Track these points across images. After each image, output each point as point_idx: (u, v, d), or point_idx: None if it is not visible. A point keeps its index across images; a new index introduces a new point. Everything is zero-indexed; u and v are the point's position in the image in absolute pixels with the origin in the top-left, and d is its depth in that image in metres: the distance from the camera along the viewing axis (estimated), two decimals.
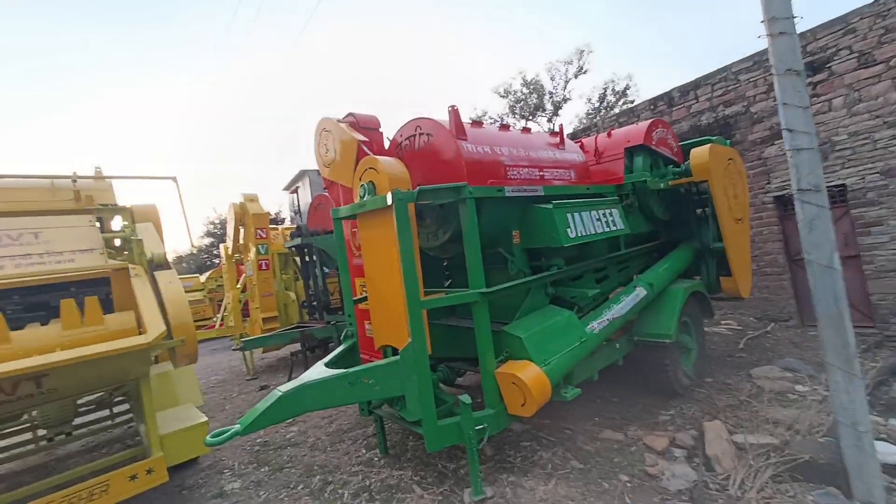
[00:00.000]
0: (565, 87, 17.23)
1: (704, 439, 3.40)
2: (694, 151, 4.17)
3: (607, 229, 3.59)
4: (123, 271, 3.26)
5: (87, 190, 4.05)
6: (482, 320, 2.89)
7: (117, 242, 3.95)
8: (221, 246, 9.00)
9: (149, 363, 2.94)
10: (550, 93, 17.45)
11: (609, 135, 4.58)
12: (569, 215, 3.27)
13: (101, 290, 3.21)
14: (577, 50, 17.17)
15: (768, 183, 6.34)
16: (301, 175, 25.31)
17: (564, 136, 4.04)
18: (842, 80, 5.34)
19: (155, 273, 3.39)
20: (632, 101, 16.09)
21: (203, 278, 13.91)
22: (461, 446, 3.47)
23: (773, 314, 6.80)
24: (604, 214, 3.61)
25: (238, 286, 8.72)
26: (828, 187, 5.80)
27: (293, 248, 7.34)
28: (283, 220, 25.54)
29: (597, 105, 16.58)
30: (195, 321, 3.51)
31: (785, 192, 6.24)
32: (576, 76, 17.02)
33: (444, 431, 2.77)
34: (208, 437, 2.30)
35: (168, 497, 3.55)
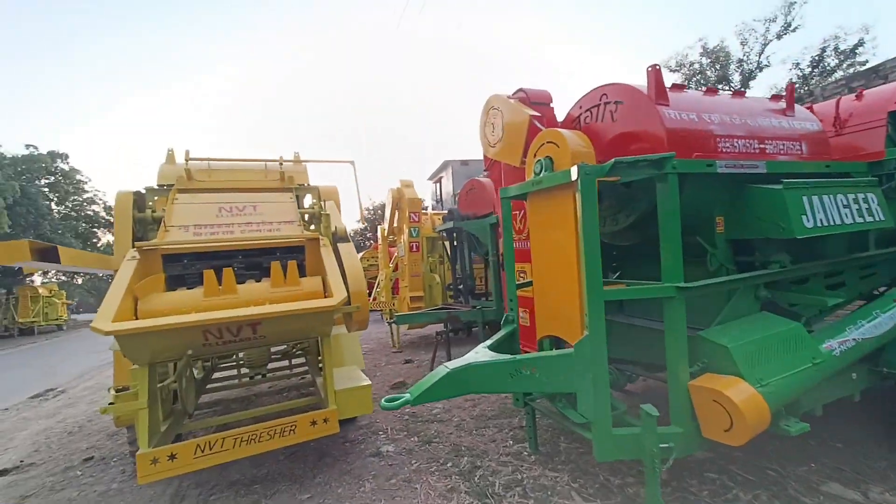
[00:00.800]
0: (762, 52, 13.89)
1: None
2: None
3: (860, 220, 2.68)
4: (315, 241, 3.69)
5: (288, 171, 4.75)
6: (676, 320, 2.40)
7: (304, 217, 4.56)
8: (379, 228, 9.91)
9: (332, 323, 3.25)
10: (740, 60, 14.23)
11: (859, 97, 3.43)
12: (805, 199, 2.51)
13: (297, 257, 3.69)
14: (786, 2, 13.59)
15: None
16: (445, 165, 26.53)
17: (794, 99, 3.14)
18: None
19: (338, 244, 3.75)
20: (863, 63, 12.14)
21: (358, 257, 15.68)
22: (627, 461, 3.05)
23: None
24: (854, 200, 2.70)
25: (390, 265, 9.50)
26: None
27: (443, 232, 7.60)
28: (426, 208, 27.25)
29: (808, 71, 12.85)
30: None
31: None
32: (779, 37, 13.43)
33: (619, 442, 2.40)
34: (383, 401, 2.39)
35: (335, 445, 3.97)
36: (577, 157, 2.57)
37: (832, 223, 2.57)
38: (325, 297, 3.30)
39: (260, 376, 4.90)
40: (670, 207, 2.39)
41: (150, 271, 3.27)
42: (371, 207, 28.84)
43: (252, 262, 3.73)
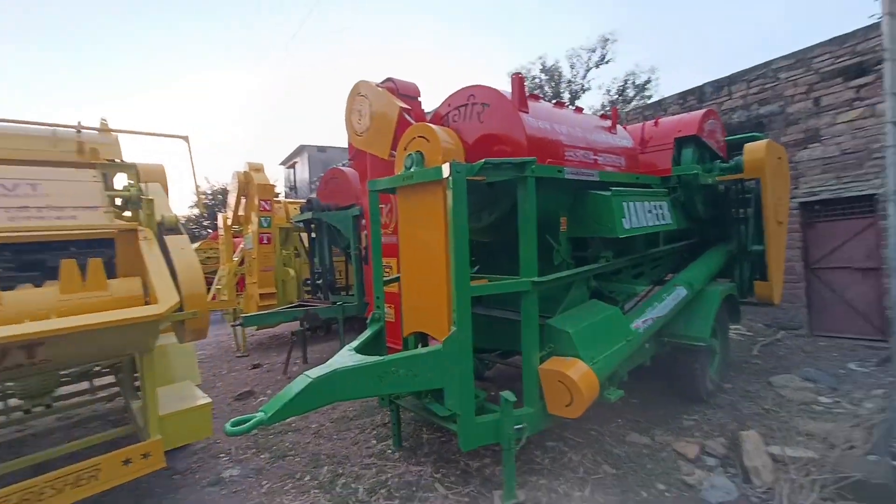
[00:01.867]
0: (585, 76, 16.81)
1: (741, 449, 3.24)
2: (749, 147, 3.94)
3: (658, 222, 3.36)
4: (131, 233, 2.92)
5: (91, 143, 3.66)
6: (531, 312, 2.64)
7: (118, 202, 3.59)
8: (220, 215, 8.58)
9: (156, 336, 2.64)
10: (569, 81, 16.97)
11: (656, 123, 4.31)
12: (625, 204, 3.02)
13: (104, 253, 2.87)
14: (602, 38, 16.71)
15: (796, 188, 6.18)
16: (300, 150, 24.60)
17: (618, 119, 3.76)
18: None
19: (165, 237, 3.04)
20: (649, 97, 15.76)
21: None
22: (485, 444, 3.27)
23: (783, 322, 6.73)
24: (655, 206, 3.38)
25: (235, 259, 8.33)
26: (856, 197, 5.72)
27: (300, 223, 6.97)
28: (277, 195, 24.86)
29: (615, 98, 16.18)
30: None
31: (813, 198, 6.10)
32: (597, 65, 16.58)
33: (481, 429, 2.54)
34: (228, 426, 2.03)
35: (158, 481, 3.27)
36: (448, 155, 2.59)
37: (641, 225, 3.16)
38: (147, 303, 2.64)
39: (43, 407, 3.71)
40: (529, 208, 2.59)
41: None
42: (209, 192, 24.95)
43: (30, 259, 2.76)
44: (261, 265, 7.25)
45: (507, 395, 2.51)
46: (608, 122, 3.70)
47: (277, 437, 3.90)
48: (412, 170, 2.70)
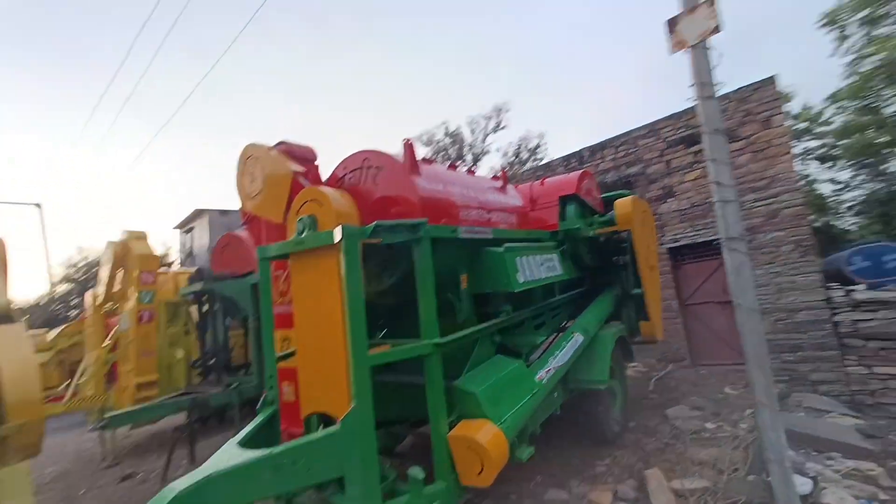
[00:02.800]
0: (484, 140, 18.54)
1: (648, 489, 3.37)
2: (619, 202, 4.50)
3: (550, 274, 3.59)
4: None
5: None
6: (435, 375, 2.56)
7: None
8: (87, 294, 7.34)
9: None
10: (470, 145, 18.59)
11: (542, 183, 4.77)
12: (518, 259, 3.19)
13: None
14: (496, 107, 18.78)
15: (662, 236, 7.18)
16: (197, 214, 22.74)
17: (507, 180, 4.08)
18: None
19: None
20: (541, 159, 17.80)
21: (52, 335, 11.16)
22: None
23: (670, 355, 7.46)
24: (546, 259, 3.63)
25: (106, 344, 7.07)
26: (707, 241, 6.81)
27: (190, 296, 6.22)
28: (170, 263, 22.33)
29: (512, 159, 18.03)
30: None
31: (676, 244, 7.10)
32: (494, 131, 18.49)
33: None
34: None
35: None
36: (340, 218, 2.53)
37: (536, 277, 3.35)
38: None
39: None
40: (425, 268, 2.60)
41: None
42: (81, 264, 21.62)
43: None
44: (139, 348, 6.22)
45: (415, 471, 2.33)
46: (500, 183, 4.01)
47: None
48: (304, 234, 2.58)
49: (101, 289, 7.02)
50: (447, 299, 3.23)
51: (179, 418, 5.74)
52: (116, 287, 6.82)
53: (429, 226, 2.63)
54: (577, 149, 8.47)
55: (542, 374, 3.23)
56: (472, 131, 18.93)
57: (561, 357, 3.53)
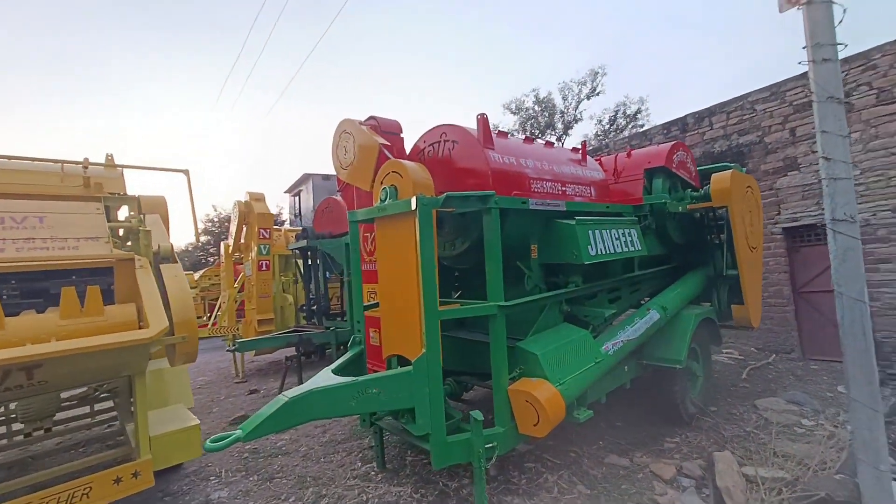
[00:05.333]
0: (577, 108, 17.46)
1: (715, 470, 3.29)
2: (715, 177, 4.14)
3: (626, 249, 3.53)
4: (128, 262, 3.15)
5: (97, 177, 3.96)
6: (499, 334, 2.79)
7: (121, 232, 3.85)
8: (222, 244, 8.86)
9: (147, 359, 2.81)
10: (562, 112, 17.67)
11: (629, 155, 4.55)
12: (590, 232, 3.20)
13: (103, 281, 3.09)
14: (592, 71, 17.46)
15: (778, 214, 6.35)
16: (305, 178, 25.27)
17: (587, 152, 4.00)
18: (859, 116, 5.39)
19: (161, 266, 3.27)
20: (641, 126, 16.27)
21: (197, 276, 13.69)
22: (464, 465, 3.35)
23: (774, 346, 6.74)
24: (623, 234, 3.56)
25: (235, 286, 8.57)
26: None
27: (297, 251, 7.22)
28: (283, 223, 25.38)
29: (607, 127, 16.77)
30: None
31: (795, 223, 6.24)
32: (588, 97, 17.28)
33: (453, 448, 2.65)
34: (208, 442, 2.17)
35: (148, 502, 3.37)
36: (418, 188, 2.80)
37: (608, 252, 3.34)
38: (141, 328, 2.84)
39: (43, 431, 3.86)
40: (493, 237, 2.79)
41: None
42: (216, 219, 25.54)
43: (34, 287, 2.98)
44: (259, 291, 7.46)
45: (476, 414, 2.63)
46: (578, 155, 3.94)
47: (267, 461, 3.99)
48: (386, 202, 2.92)
49: (230, 241, 8.44)
50: (518, 268, 3.39)
51: (290, 351, 6.87)
52: (242, 240, 8.14)
53: (498, 197, 2.78)
54: (681, 115, 7.68)
55: (609, 346, 3.28)
56: (564, 98, 17.89)
57: (632, 332, 3.51)
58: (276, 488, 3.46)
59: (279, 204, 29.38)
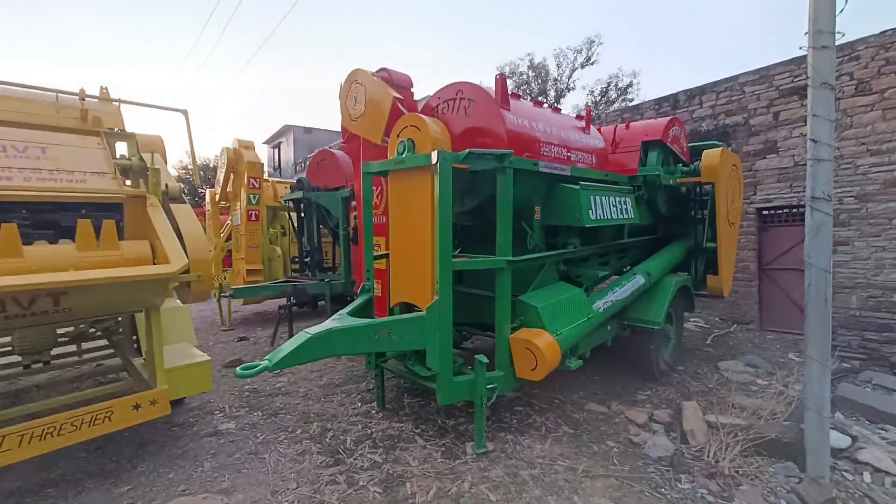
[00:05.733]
0: (570, 76, 17.33)
1: (682, 416, 3.72)
2: (707, 153, 4.38)
3: (621, 216, 3.76)
4: (139, 199, 3.15)
5: (94, 110, 3.82)
6: (504, 287, 3.00)
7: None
8: (208, 191, 8.65)
9: (164, 294, 2.88)
10: (555, 79, 17.53)
11: (627, 126, 4.72)
12: (592, 197, 3.40)
13: (112, 216, 3.08)
14: (588, 39, 17.22)
15: (753, 194, 6.74)
16: (285, 130, 24.32)
17: (591, 121, 4.13)
18: (838, 104, 5.69)
19: (171, 205, 3.28)
20: (631, 100, 16.40)
21: None
22: (457, 406, 3.66)
23: (736, 316, 7.33)
24: (619, 202, 3.78)
25: (221, 235, 8.46)
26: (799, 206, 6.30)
27: (289, 202, 7.17)
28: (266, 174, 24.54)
29: (598, 99, 16.79)
30: None
31: (768, 203, 6.66)
32: (582, 66, 17.11)
33: (458, 387, 2.90)
34: (238, 370, 2.33)
35: (158, 432, 3.54)
36: (436, 143, 2.90)
37: (606, 217, 3.56)
38: (155, 264, 2.89)
39: (42, 364, 3.91)
40: (506, 195, 2.94)
41: None
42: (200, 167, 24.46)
43: (43, 219, 2.95)
44: (248, 242, 7.43)
45: (481, 357, 2.88)
46: (583, 123, 4.08)
47: (268, 399, 4.19)
48: (404, 155, 3.00)
49: (217, 188, 8.25)
50: (520, 228, 3.58)
51: (278, 302, 6.97)
52: (229, 188, 7.98)
53: (514, 157, 2.92)
54: (673, 92, 7.84)
55: (599, 304, 3.57)
56: (559, 65, 17.68)
57: (620, 293, 3.81)
58: (282, 422, 3.68)
59: (258, 155, 28.30)
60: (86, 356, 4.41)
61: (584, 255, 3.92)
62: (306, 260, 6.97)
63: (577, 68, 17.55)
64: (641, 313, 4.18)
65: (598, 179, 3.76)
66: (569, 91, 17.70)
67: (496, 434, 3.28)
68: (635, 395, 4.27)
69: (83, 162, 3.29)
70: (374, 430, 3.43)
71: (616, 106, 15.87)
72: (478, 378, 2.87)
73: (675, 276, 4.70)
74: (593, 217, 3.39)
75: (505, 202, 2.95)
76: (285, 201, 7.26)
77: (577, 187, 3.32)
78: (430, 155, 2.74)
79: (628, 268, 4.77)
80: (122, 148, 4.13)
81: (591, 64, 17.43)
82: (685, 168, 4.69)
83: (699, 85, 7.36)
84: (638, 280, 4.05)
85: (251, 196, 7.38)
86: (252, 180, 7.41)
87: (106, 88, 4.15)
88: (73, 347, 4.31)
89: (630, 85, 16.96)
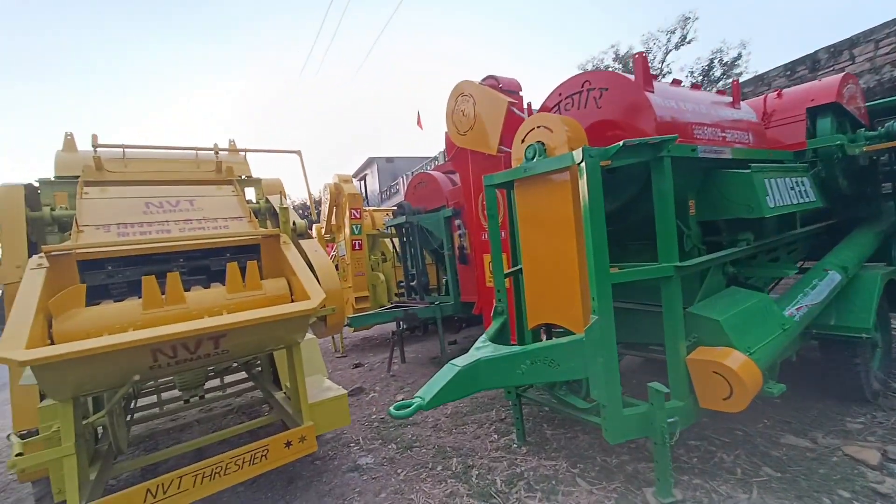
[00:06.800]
0: (664, 60, 15.80)
1: None
2: None
3: (801, 200, 3.04)
4: (274, 238, 3.24)
5: (226, 162, 4.15)
6: (673, 299, 2.50)
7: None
8: (314, 226, 9.23)
9: (306, 328, 2.87)
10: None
11: (779, 95, 3.92)
12: (767, 181, 2.77)
13: (252, 257, 3.22)
14: (682, 17, 15.56)
15: None
16: (369, 163, 25.90)
17: (740, 94, 3.47)
18: None
19: (301, 241, 3.34)
20: (739, 75, 14.40)
21: None
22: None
23: None
24: (797, 183, 3.06)
25: None
26: None
27: (391, 228, 7.30)
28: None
29: (699, 79, 14.97)
30: None
31: None
32: (677, 47, 15.49)
33: (629, 422, 2.43)
34: (392, 409, 2.14)
35: (303, 466, 3.55)
36: (573, 142, 2.55)
37: (785, 203, 2.88)
38: (293, 300, 2.91)
39: (198, 398, 4.23)
40: (665, 189, 2.47)
41: (63, 282, 2.59)
42: (301, 203, 27.14)
43: (195, 265, 3.16)
44: (354, 270, 7.67)
45: (657, 386, 2.38)
46: (728, 98, 3.43)
47: (398, 430, 4.06)
48: (533, 161, 2.69)
49: (322, 222, 8.74)
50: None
51: (386, 328, 7.00)
52: (333, 221, 8.39)
53: (672, 144, 2.44)
54: (808, 52, 6.59)
55: (792, 311, 2.86)
56: (649, 50, 16.26)
57: (814, 296, 3.04)
58: (419, 457, 3.48)
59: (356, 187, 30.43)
60: (229, 389, 4.73)
61: (752, 252, 3.21)
62: (412, 284, 6.96)
63: (671, 50, 15.97)
64: (839, 319, 3.30)
65: (764, 160, 3.08)
66: (663, 77, 16.18)
67: (677, 477, 2.70)
68: (843, 423, 3.35)
69: (223, 209, 3.52)
70: (522, 468, 3.06)
71: (722, 84, 14.08)
72: (656, 411, 2.37)
73: (876, 268, 3.70)
74: (772, 204, 2.74)
75: (664, 198, 2.48)
76: (388, 227, 7.39)
77: (748, 171, 2.71)
78: (572, 154, 2.39)
79: (801, 263, 3.89)
80: (249, 192, 4.46)
81: (688, 43, 15.71)
82: (870, 133, 3.73)
83: (848, 37, 6.08)
84: (833, 278, 3.22)
85: (354, 226, 7.65)
86: (353, 211, 7.70)
87: (233, 141, 4.51)
88: (217, 381, 4.65)
89: (739, 56, 14.79)
